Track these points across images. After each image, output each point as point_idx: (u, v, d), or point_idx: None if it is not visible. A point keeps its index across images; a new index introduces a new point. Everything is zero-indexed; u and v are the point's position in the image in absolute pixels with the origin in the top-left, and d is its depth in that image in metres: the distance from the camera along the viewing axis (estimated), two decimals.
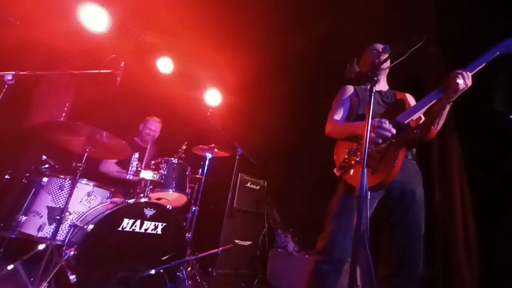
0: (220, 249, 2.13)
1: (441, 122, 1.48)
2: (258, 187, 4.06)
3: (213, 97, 3.96)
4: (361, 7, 2.74)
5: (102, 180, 2.60)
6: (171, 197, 2.32)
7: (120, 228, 1.80)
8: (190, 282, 2.07)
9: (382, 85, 1.80)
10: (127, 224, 1.83)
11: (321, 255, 1.46)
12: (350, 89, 1.80)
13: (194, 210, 2.58)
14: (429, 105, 1.46)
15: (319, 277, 1.44)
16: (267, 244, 3.77)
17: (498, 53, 1.43)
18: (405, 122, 1.45)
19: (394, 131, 1.42)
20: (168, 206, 2.02)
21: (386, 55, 1.54)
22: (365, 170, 1.09)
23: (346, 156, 1.54)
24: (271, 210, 3.92)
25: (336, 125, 1.67)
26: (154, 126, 3.05)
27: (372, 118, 1.35)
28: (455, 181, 2.49)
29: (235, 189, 3.72)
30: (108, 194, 2.31)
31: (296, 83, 3.79)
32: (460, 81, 1.36)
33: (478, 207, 2.50)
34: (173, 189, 2.22)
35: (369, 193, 1.39)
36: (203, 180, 2.72)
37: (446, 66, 2.86)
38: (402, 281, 1.39)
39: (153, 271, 1.82)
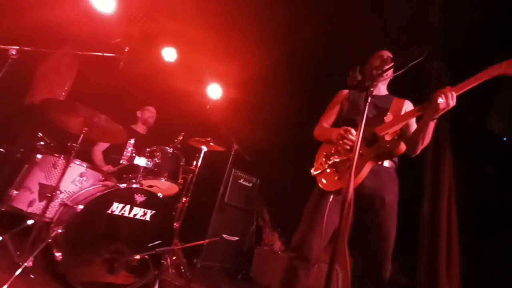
0: (207, 241, 2.16)
1: (427, 138, 1.50)
2: (250, 184, 4.09)
3: (214, 91, 3.98)
4: (369, 10, 2.77)
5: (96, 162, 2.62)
6: (163, 186, 2.34)
7: (109, 211, 1.83)
8: (174, 270, 2.10)
9: (380, 90, 1.83)
10: (116, 207, 1.85)
11: (293, 251, 1.55)
12: (344, 92, 1.86)
13: (184, 201, 2.60)
14: (407, 121, 1.51)
15: (291, 271, 1.53)
16: (254, 241, 3.81)
17: (497, 74, 1.35)
18: (381, 134, 1.48)
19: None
20: (159, 194, 2.05)
21: (388, 65, 1.58)
22: (353, 176, 1.13)
23: (323, 159, 1.63)
24: (261, 208, 3.96)
25: (320, 129, 1.78)
26: (153, 109, 3.18)
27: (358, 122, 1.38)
28: (444, 196, 2.54)
29: (227, 184, 3.75)
30: (101, 177, 2.33)
31: (298, 83, 3.81)
32: (441, 100, 1.32)
33: (464, 223, 2.54)
34: (166, 178, 2.25)
35: (331, 196, 1.49)
36: (196, 172, 2.74)
37: (450, 80, 2.89)
38: (368, 282, 1.45)
39: (138, 256, 1.85)
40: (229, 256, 3.57)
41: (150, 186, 2.30)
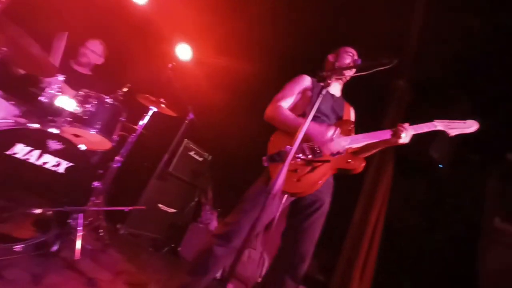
0: (129, 208, 1.96)
1: (366, 155, 1.57)
2: (201, 159, 3.91)
3: (182, 51, 3.62)
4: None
5: (14, 93, 2.19)
6: (92, 139, 2.04)
7: (9, 152, 1.52)
8: (84, 233, 1.87)
9: (336, 90, 1.77)
10: (20, 150, 1.55)
11: (221, 239, 1.43)
12: (307, 80, 1.71)
13: (117, 160, 2.34)
14: (372, 142, 1.52)
15: (212, 258, 1.43)
16: (191, 217, 3.70)
17: (440, 128, 1.55)
18: (346, 147, 1.46)
19: (344, 150, 1.41)
20: (80, 146, 1.77)
21: (354, 65, 1.55)
22: (285, 169, 1.03)
23: (283, 150, 1.46)
24: (207, 185, 3.82)
25: (283, 114, 1.55)
26: (94, 46, 2.60)
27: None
28: (376, 206, 2.65)
29: (175, 153, 3.52)
30: (17, 112, 1.95)
31: (274, 61, 3.62)
32: (403, 134, 1.45)
33: (386, 238, 2.71)
34: (97, 131, 1.96)
35: (285, 197, 1.41)
36: (138, 131, 2.48)
37: (410, 102, 2.99)
38: (286, 276, 1.46)
39: (39, 210, 1.60)
40: (161, 227, 3.42)
41: (76, 136, 2.00)
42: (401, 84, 2.81)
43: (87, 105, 1.93)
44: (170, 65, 2.93)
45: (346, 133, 1.55)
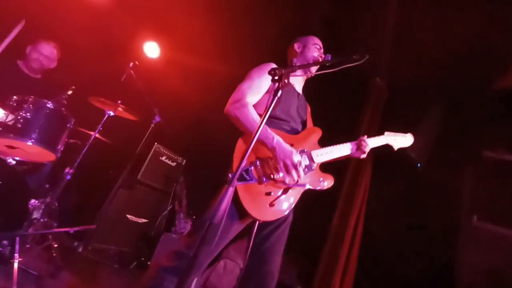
0: (75, 229, 1.72)
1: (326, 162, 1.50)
2: (174, 164, 3.67)
3: (149, 49, 3.36)
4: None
5: None
6: (31, 150, 1.77)
7: None
8: (23, 259, 1.62)
9: (299, 87, 1.61)
10: None
11: (171, 274, 1.17)
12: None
13: (67, 172, 2.07)
14: (342, 155, 1.46)
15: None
16: (164, 226, 3.46)
17: (388, 142, 1.59)
18: (318, 162, 1.37)
19: (315, 167, 1.34)
20: (9, 160, 1.51)
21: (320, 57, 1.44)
22: (231, 189, 0.85)
23: (251, 168, 1.26)
24: (181, 191, 3.59)
25: (249, 114, 1.29)
26: (47, 50, 2.35)
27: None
28: (355, 211, 2.54)
29: (144, 159, 3.27)
30: None
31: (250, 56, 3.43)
32: (367, 149, 1.47)
33: (366, 242, 2.60)
34: (34, 141, 1.69)
35: (257, 223, 1.26)
36: (92, 138, 2.22)
37: (385, 100, 2.89)
38: None
39: None
40: (129, 240, 3.16)
41: (11, 147, 1.72)
42: (379, 82, 2.69)
43: (20, 112, 1.66)
44: (131, 64, 2.67)
45: (314, 146, 1.42)
